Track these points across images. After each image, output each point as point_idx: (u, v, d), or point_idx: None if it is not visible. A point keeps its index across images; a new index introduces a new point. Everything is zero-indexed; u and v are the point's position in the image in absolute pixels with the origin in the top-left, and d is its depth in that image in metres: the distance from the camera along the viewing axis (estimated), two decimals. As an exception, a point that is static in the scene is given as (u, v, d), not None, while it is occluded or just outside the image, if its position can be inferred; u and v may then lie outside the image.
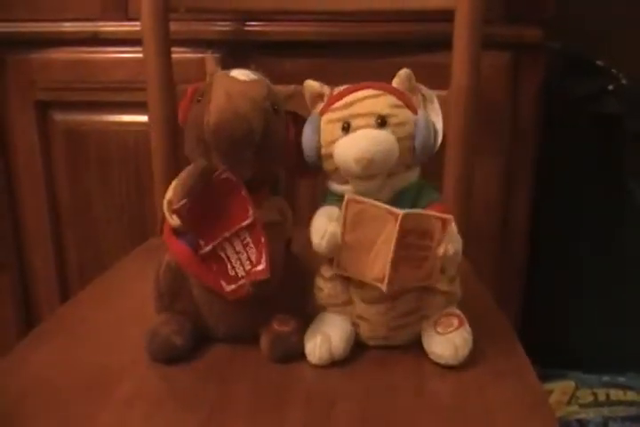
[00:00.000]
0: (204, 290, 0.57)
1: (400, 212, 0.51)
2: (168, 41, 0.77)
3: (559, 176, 1.02)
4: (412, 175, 0.56)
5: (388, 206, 0.52)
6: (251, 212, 0.53)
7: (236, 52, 0.87)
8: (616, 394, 1.00)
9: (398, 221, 0.50)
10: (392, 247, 0.51)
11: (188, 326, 0.58)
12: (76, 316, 0.66)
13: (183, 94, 0.56)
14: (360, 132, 0.52)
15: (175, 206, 0.53)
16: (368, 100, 0.54)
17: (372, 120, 0.53)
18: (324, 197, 0.58)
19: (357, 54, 0.86)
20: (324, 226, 0.53)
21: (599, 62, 1.00)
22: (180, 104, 0.56)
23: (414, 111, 0.54)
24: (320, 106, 0.56)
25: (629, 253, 1.03)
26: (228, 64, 0.85)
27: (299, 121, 0.57)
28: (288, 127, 0.56)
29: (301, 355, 0.56)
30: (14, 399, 0.52)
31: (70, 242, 1.00)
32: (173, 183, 0.55)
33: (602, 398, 1.00)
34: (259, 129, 0.51)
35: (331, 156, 0.54)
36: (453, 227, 0.53)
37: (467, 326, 0.57)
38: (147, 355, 0.56)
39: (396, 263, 0.51)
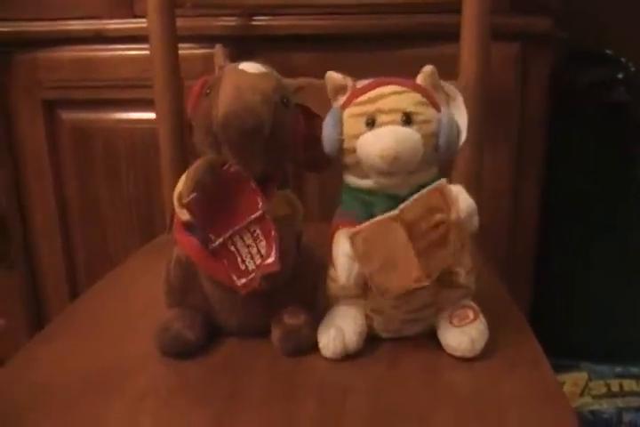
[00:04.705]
0: (214, 284, 0.56)
1: (395, 212, 0.51)
2: (174, 37, 0.77)
3: (568, 165, 1.02)
4: (432, 173, 0.55)
5: (382, 217, 0.51)
6: (260, 204, 0.53)
7: (242, 46, 0.87)
8: (629, 385, 1.00)
9: (399, 221, 0.50)
10: (410, 246, 0.51)
11: (200, 321, 0.57)
12: (86, 313, 0.66)
13: (190, 89, 0.56)
14: (386, 129, 0.52)
15: (184, 200, 0.52)
16: (393, 96, 0.53)
17: (398, 117, 0.52)
18: (341, 193, 0.57)
19: (364, 47, 0.85)
20: (348, 265, 0.53)
21: (608, 51, 1.00)
22: (187, 97, 0.55)
23: (438, 109, 0.54)
24: (341, 98, 0.56)
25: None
26: (234, 59, 0.85)
27: (308, 114, 0.57)
28: (297, 120, 0.55)
29: (313, 347, 0.56)
30: (27, 395, 0.52)
31: (79, 240, 1.00)
32: (183, 177, 0.55)
33: (615, 388, 0.99)
34: (268, 122, 0.51)
35: (353, 150, 0.53)
36: (453, 190, 0.52)
37: (482, 318, 0.56)
38: (158, 350, 0.56)
39: (421, 256, 0.51)
